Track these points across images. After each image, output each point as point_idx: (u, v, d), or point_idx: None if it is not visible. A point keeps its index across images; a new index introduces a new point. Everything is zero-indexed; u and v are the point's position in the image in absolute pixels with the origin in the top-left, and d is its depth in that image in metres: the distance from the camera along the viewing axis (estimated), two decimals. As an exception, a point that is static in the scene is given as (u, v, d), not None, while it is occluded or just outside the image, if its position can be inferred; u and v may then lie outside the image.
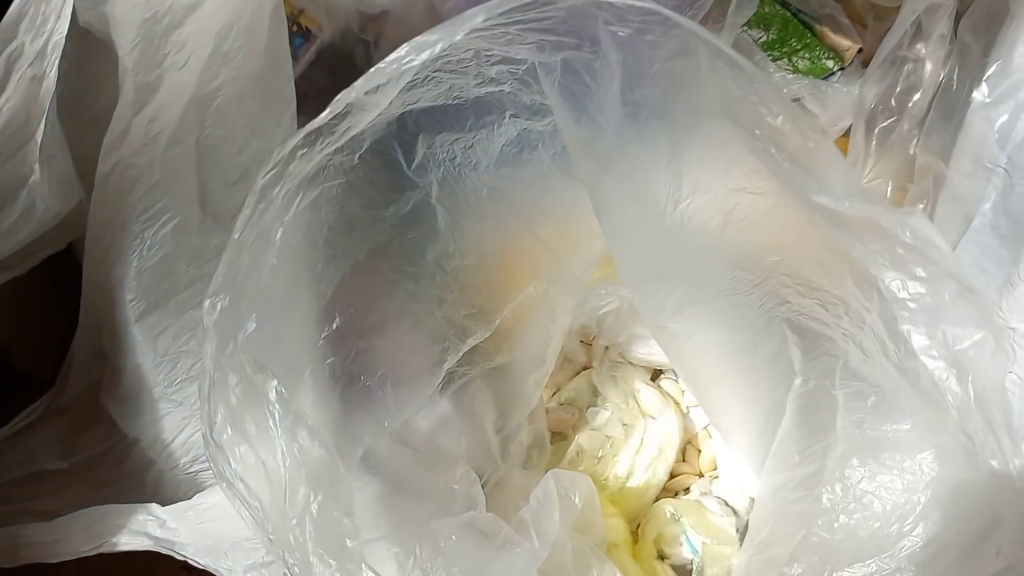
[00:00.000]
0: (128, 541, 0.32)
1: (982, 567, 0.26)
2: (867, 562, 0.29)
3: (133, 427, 0.36)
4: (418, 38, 0.23)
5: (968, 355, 0.25)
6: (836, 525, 0.33)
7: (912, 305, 0.25)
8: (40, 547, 0.33)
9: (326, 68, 0.46)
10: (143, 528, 0.31)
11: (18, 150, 0.31)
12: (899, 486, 0.31)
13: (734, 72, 0.23)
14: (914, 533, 0.30)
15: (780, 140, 0.23)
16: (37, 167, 0.32)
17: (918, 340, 0.25)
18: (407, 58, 0.23)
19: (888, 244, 0.24)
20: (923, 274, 0.24)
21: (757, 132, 0.23)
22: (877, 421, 0.33)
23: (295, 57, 0.44)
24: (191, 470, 0.35)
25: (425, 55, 0.23)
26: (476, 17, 0.23)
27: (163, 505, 0.33)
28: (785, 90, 0.44)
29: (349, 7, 0.44)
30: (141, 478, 0.37)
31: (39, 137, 0.31)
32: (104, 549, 0.32)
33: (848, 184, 0.23)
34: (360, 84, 0.23)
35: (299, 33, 0.43)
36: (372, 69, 0.23)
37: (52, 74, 0.31)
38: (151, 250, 0.33)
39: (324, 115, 0.24)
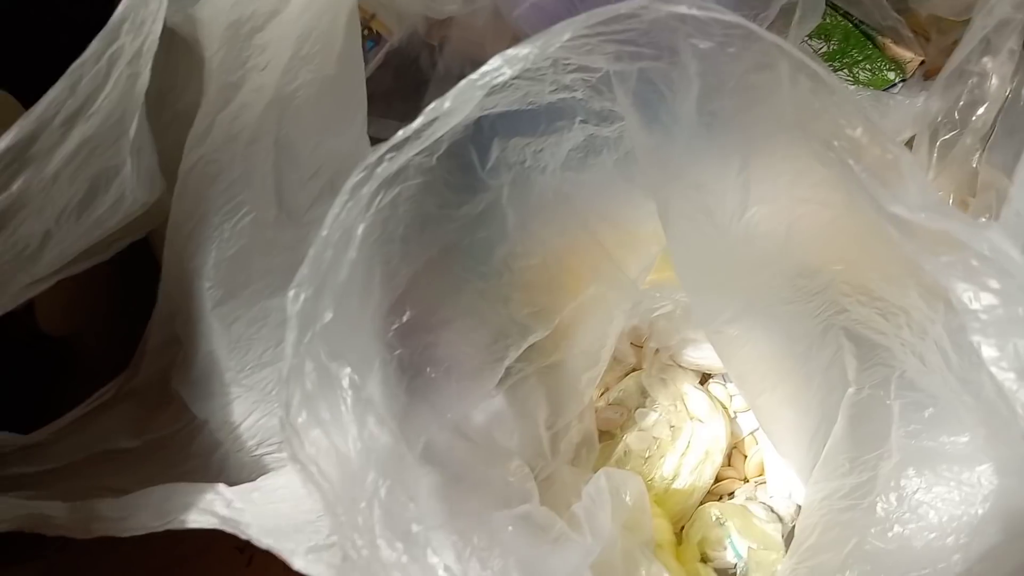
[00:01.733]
0: (195, 519, 0.33)
1: None
2: (921, 571, 0.29)
3: (203, 410, 0.37)
4: (509, 51, 0.24)
5: None
6: (890, 535, 0.33)
7: (984, 316, 0.25)
8: (111, 522, 0.34)
9: (392, 71, 0.48)
10: (210, 507, 0.32)
11: (114, 143, 0.32)
12: (956, 498, 0.31)
13: (815, 85, 0.23)
14: (970, 546, 0.30)
15: (858, 151, 0.24)
16: (129, 159, 0.33)
17: (988, 352, 0.25)
18: (499, 71, 0.24)
19: (962, 256, 0.24)
20: (997, 286, 0.25)
21: (835, 143, 0.23)
22: (934, 432, 0.33)
23: (365, 60, 0.45)
24: (256, 452, 0.37)
25: (517, 68, 0.23)
26: (564, 34, 0.24)
27: (229, 486, 0.35)
28: (848, 101, 0.45)
29: (417, 12, 0.45)
30: (208, 459, 0.38)
31: (132, 132, 0.33)
32: (172, 526, 0.34)
33: (925, 196, 0.23)
34: (453, 94, 0.24)
35: (370, 37, 0.45)
36: (463, 81, 0.24)
37: (146, 73, 0.33)
38: (229, 241, 0.35)
39: (417, 123, 0.25)
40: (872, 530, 0.33)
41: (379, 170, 0.25)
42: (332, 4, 0.37)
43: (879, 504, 0.33)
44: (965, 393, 0.30)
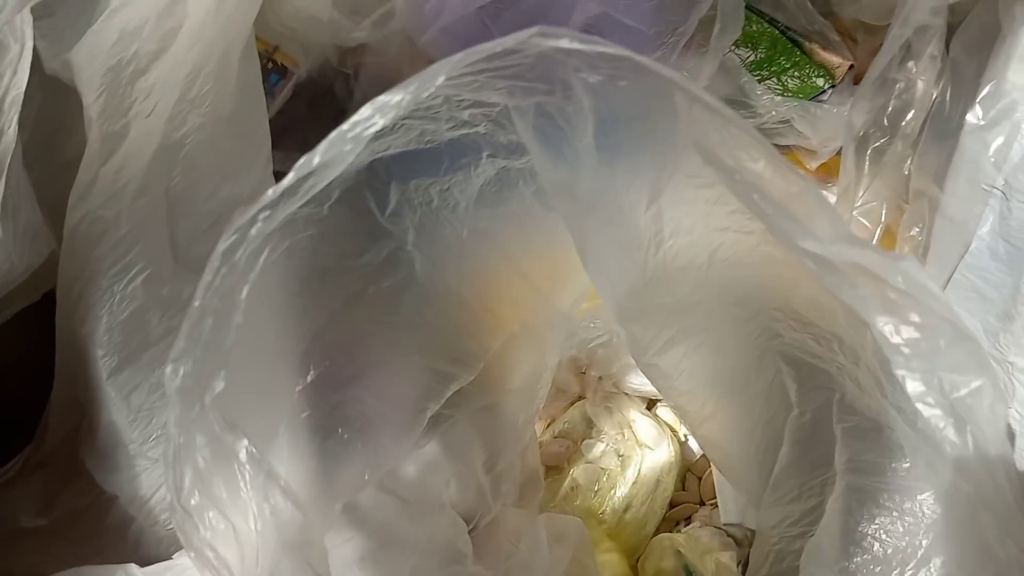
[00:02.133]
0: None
1: None
2: None
3: (111, 483, 0.35)
4: (380, 98, 0.22)
5: (966, 403, 0.24)
6: (837, 568, 0.31)
7: (906, 351, 0.24)
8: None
9: (306, 102, 0.46)
10: (121, 587, 0.30)
11: (-20, 206, 0.30)
12: (899, 529, 0.30)
13: (711, 116, 0.22)
14: None
15: (762, 185, 0.22)
16: (0, 223, 0.31)
17: (913, 386, 0.24)
18: (370, 121, 0.22)
19: (879, 289, 0.23)
20: (917, 319, 0.23)
21: (737, 177, 0.22)
22: (874, 459, 0.31)
23: (271, 94, 0.43)
24: (171, 527, 0.34)
25: (390, 116, 0.22)
26: (438, 76, 0.22)
27: (145, 562, 0.32)
28: (774, 112, 0.43)
29: (325, 42, 0.43)
30: (122, 534, 0.35)
31: (0, 192, 0.31)
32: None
33: (835, 229, 0.22)
34: (322, 148, 0.22)
35: (275, 70, 0.42)
36: (333, 133, 0.22)
37: (12, 130, 0.30)
38: (121, 304, 0.32)
39: (286, 180, 0.23)
40: (817, 565, 0.32)
41: (253, 231, 0.23)
42: (222, 39, 0.35)
43: (824, 538, 0.32)
44: (901, 420, 0.28)
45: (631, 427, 0.47)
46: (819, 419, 0.35)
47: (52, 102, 0.36)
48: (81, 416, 0.36)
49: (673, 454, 0.47)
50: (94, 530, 0.36)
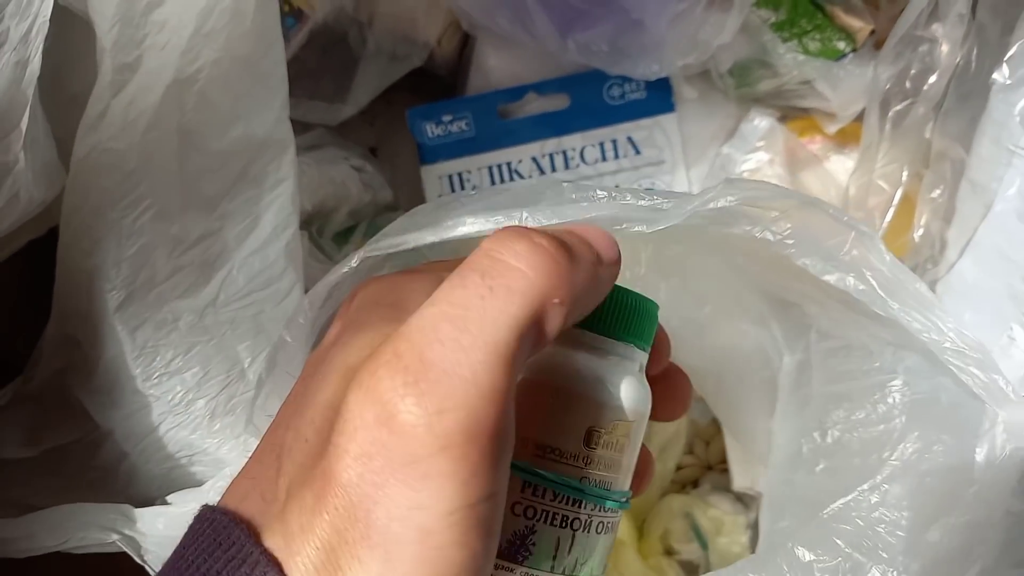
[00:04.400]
0: (96, 538, 0.31)
1: (965, 478, 0.25)
2: (847, 496, 0.27)
3: (107, 419, 0.34)
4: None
5: (853, 255, 0.26)
6: (817, 470, 0.32)
7: (790, 242, 0.26)
8: (9, 542, 0.31)
9: (318, 50, 0.45)
10: (113, 527, 0.30)
11: (3, 139, 0.29)
12: (874, 419, 0.30)
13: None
14: (892, 459, 0.29)
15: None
16: (21, 155, 0.30)
17: (814, 267, 0.26)
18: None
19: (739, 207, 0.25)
20: (776, 212, 0.26)
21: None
22: (846, 367, 0.32)
23: (286, 38, 0.42)
24: (165, 466, 0.34)
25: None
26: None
27: (137, 500, 0.32)
28: (796, 72, 0.43)
29: (341, -14, 0.42)
30: (113, 470, 0.35)
31: (23, 125, 0.30)
32: (71, 546, 0.31)
33: (673, 200, 0.24)
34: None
35: (290, 13, 0.41)
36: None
37: (37, 59, 0.29)
38: (129, 238, 0.32)
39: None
40: (800, 471, 0.32)
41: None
42: (238, -26, 0.34)
43: (805, 445, 0.32)
44: (867, 322, 0.29)
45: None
46: (804, 361, 0.35)
47: (61, 35, 0.36)
48: (75, 352, 0.35)
49: (683, 419, 0.47)
50: (83, 465, 0.35)
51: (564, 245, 0.19)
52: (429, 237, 0.25)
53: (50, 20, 0.34)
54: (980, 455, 0.25)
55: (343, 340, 0.20)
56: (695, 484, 0.47)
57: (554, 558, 0.21)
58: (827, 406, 0.32)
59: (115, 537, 0.29)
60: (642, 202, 0.24)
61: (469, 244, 0.22)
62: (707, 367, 0.39)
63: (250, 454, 0.21)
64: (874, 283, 0.25)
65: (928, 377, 0.28)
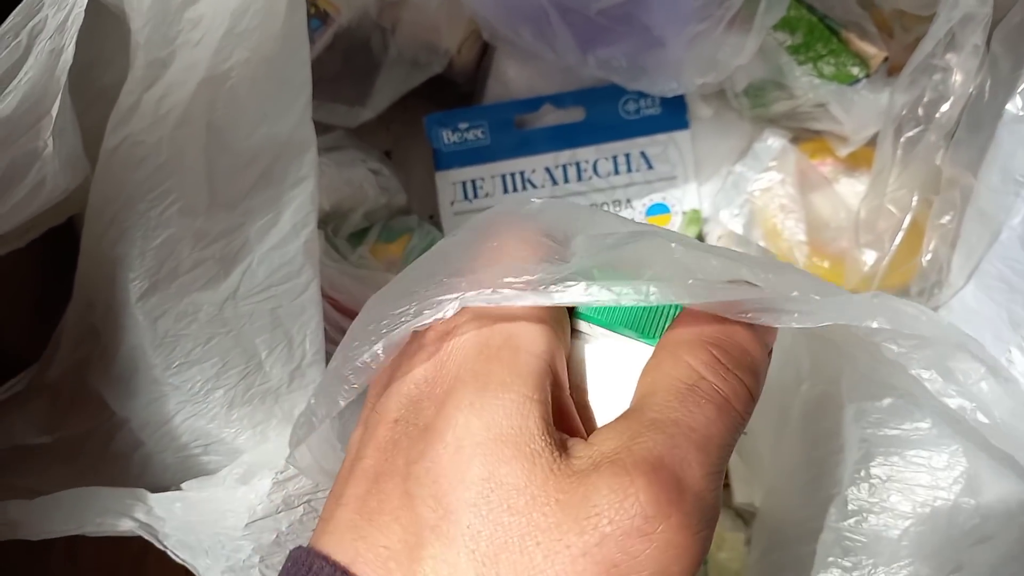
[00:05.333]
0: (113, 523, 0.31)
1: None
2: (903, 562, 0.28)
3: (124, 408, 0.35)
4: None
5: (979, 388, 0.25)
6: (865, 526, 0.32)
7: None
8: (23, 525, 0.32)
9: (341, 54, 0.46)
10: (129, 512, 0.30)
11: (33, 125, 0.30)
12: (926, 482, 0.30)
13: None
14: (948, 532, 0.29)
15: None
16: (50, 142, 0.31)
17: (933, 386, 0.25)
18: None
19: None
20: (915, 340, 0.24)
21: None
22: (896, 421, 0.32)
23: (311, 40, 0.43)
24: (181, 454, 0.34)
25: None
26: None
27: (150, 488, 0.32)
28: (811, 95, 0.44)
29: (368, -9, 0.43)
30: (128, 459, 0.35)
31: (54, 112, 0.30)
32: (87, 530, 0.31)
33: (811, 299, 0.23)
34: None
35: (316, 15, 0.42)
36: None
37: (70, 48, 0.30)
38: (155, 230, 0.32)
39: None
40: (846, 523, 0.32)
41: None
42: (272, -25, 0.35)
43: (851, 496, 0.32)
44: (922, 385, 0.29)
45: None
46: (828, 393, 0.35)
47: (92, 28, 0.36)
48: (95, 342, 0.36)
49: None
50: (98, 453, 0.36)
51: (758, 379, 0.21)
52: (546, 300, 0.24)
53: (85, 14, 0.35)
54: None
55: (461, 389, 0.19)
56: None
57: None
58: (873, 453, 0.31)
59: (131, 523, 0.29)
60: (791, 294, 0.22)
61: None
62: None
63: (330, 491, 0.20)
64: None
65: (988, 452, 0.27)
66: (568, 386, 0.21)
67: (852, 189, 0.46)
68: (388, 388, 0.21)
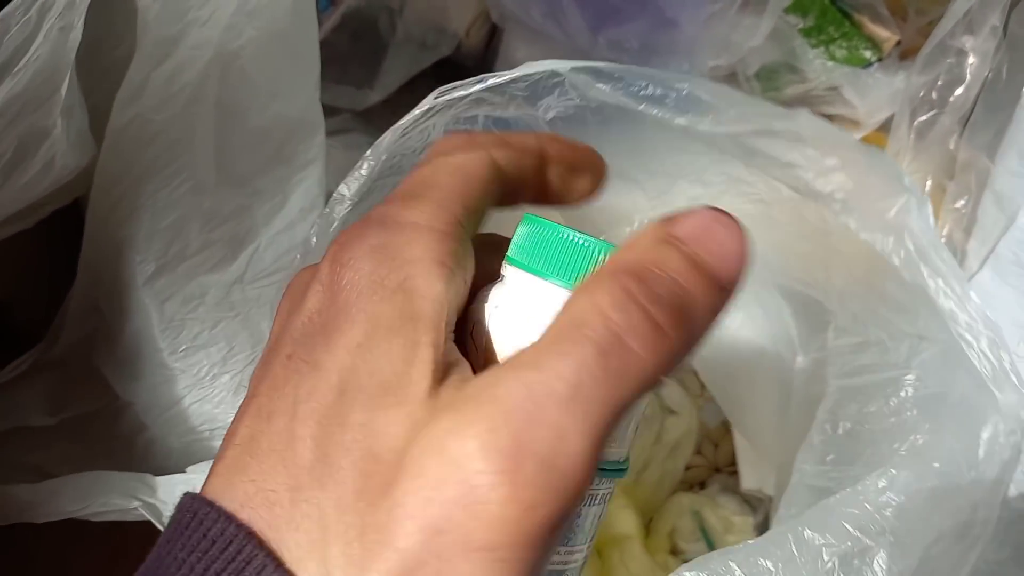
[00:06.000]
0: (118, 506, 0.31)
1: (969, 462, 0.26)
2: (867, 481, 0.27)
3: (128, 391, 0.34)
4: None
5: (899, 219, 0.25)
6: (828, 459, 0.32)
7: (839, 195, 0.25)
8: (30, 507, 0.32)
9: (349, 34, 0.45)
10: (134, 495, 0.30)
11: (43, 103, 0.29)
12: (886, 412, 0.30)
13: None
14: (902, 450, 0.29)
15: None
16: (59, 120, 0.30)
17: (855, 223, 0.25)
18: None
19: (798, 149, 0.24)
20: (835, 162, 0.24)
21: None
22: (862, 362, 0.32)
23: (319, 20, 0.42)
24: (186, 439, 0.34)
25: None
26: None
27: (155, 472, 0.32)
28: (824, 77, 0.43)
29: (376, -29, 0.43)
30: (131, 441, 0.35)
31: (63, 90, 0.30)
32: (92, 511, 0.31)
33: (734, 105, 0.23)
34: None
35: (324, -5, 0.42)
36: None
37: (79, 25, 0.29)
38: (164, 210, 0.32)
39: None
40: (809, 461, 0.32)
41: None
42: (281, -45, 0.34)
43: (816, 436, 0.32)
44: (880, 303, 0.29)
45: (656, 390, 0.47)
46: (818, 359, 0.35)
47: (101, 7, 0.36)
48: (98, 322, 0.35)
49: (694, 419, 0.47)
50: (102, 435, 0.35)
51: (689, 319, 0.16)
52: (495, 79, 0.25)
53: (91, -8, 0.34)
54: (983, 439, 0.25)
55: (350, 330, 0.18)
56: (702, 485, 0.48)
57: (589, 533, 0.22)
58: (841, 400, 0.32)
59: (136, 504, 0.29)
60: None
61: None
62: (718, 362, 0.39)
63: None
64: (911, 246, 0.25)
65: (941, 372, 0.28)
66: (473, 332, 0.20)
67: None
68: (284, 322, 0.19)
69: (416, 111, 0.25)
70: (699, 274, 0.17)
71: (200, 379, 0.33)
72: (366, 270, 0.18)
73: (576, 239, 0.19)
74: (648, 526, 0.45)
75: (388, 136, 0.25)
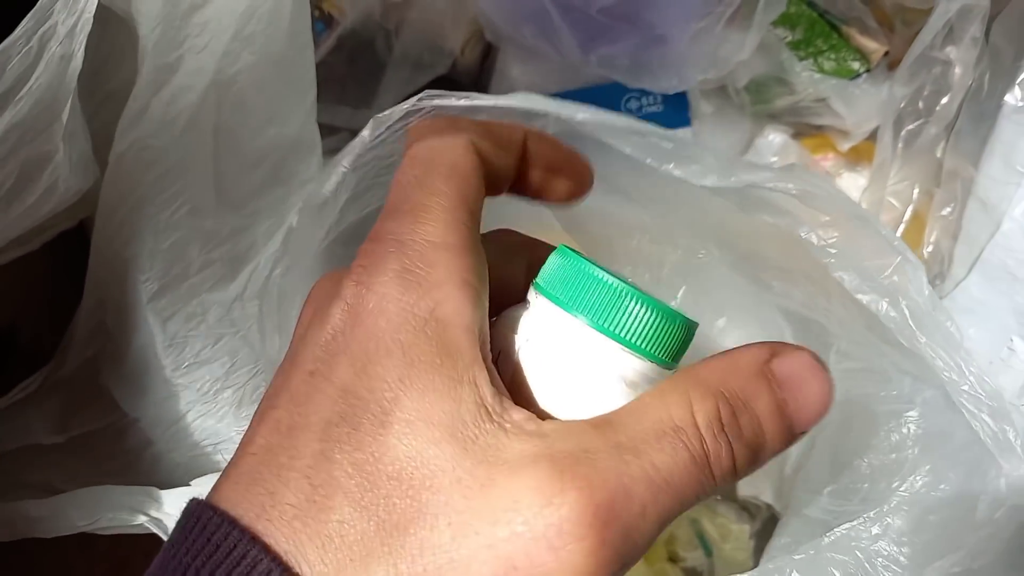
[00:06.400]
0: (125, 520, 0.32)
1: (968, 523, 0.26)
2: (851, 523, 0.27)
3: (134, 407, 0.35)
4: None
5: (893, 281, 0.25)
6: (825, 491, 0.32)
7: (832, 251, 0.26)
8: (39, 522, 0.32)
9: (346, 55, 0.46)
10: (141, 509, 0.31)
11: (45, 129, 0.30)
12: (886, 446, 0.31)
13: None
14: (901, 490, 0.29)
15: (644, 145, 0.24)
16: (61, 146, 0.31)
17: (851, 282, 0.25)
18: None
19: (791, 202, 0.25)
20: (828, 217, 0.25)
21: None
22: (863, 390, 0.32)
23: (316, 43, 0.43)
24: (192, 454, 0.35)
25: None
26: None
27: (161, 486, 0.33)
28: (812, 89, 0.44)
29: (371, -6, 0.44)
30: (138, 457, 0.36)
31: (65, 116, 0.31)
32: (99, 526, 0.32)
33: (724, 161, 0.24)
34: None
35: (321, 18, 0.43)
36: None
37: (80, 54, 0.30)
38: (165, 232, 0.33)
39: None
40: (808, 489, 0.32)
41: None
42: (277, -20, 0.35)
43: (813, 465, 0.32)
44: (881, 343, 0.29)
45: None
46: None
47: (101, 34, 0.37)
48: (105, 340, 0.36)
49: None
50: (110, 451, 0.36)
51: (757, 460, 0.19)
52: (484, 101, 0.25)
53: (94, 20, 0.36)
54: (983, 504, 0.25)
55: (387, 361, 0.18)
56: (702, 492, 0.48)
57: None
58: (840, 428, 0.32)
59: (143, 519, 0.30)
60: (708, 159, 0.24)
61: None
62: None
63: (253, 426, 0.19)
64: (907, 312, 0.25)
65: (945, 412, 0.28)
66: (499, 360, 0.20)
67: (854, 183, 0.47)
68: (304, 336, 0.19)
69: (403, 107, 0.26)
70: (782, 423, 0.19)
71: (203, 394, 0.34)
72: (393, 296, 0.18)
73: (608, 280, 0.20)
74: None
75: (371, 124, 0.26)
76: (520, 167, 0.23)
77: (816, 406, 0.19)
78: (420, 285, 0.19)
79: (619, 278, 0.20)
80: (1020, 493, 0.25)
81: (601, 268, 0.20)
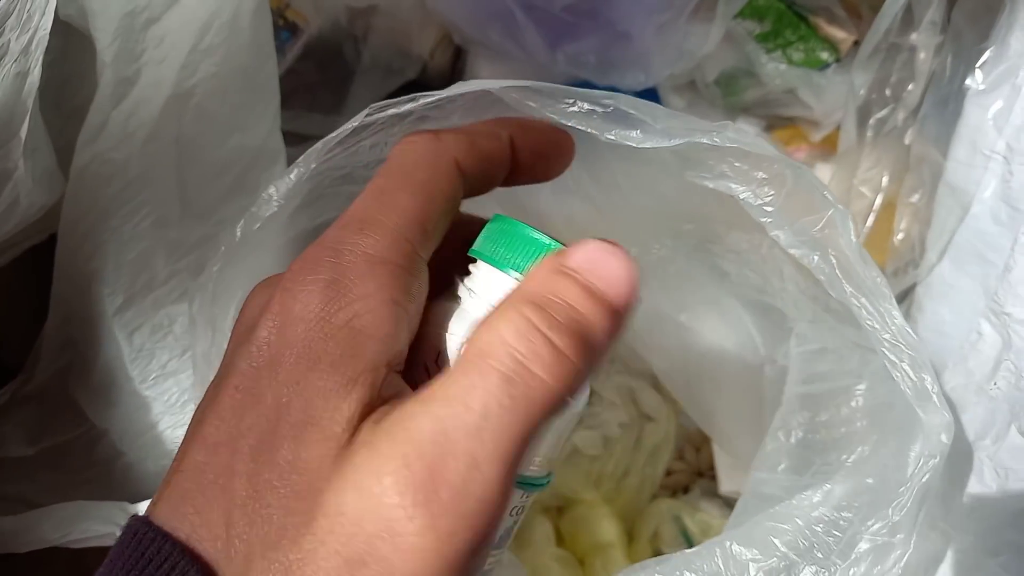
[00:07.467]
0: (97, 531, 0.32)
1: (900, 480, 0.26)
2: (803, 494, 0.27)
3: (103, 419, 0.35)
4: (278, 181, 0.26)
5: (824, 234, 0.25)
6: (779, 469, 0.32)
7: (769, 208, 0.25)
8: (11, 536, 0.32)
9: (315, 62, 0.46)
10: (112, 521, 0.31)
11: (4, 145, 0.30)
12: (837, 421, 0.31)
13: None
14: (849, 461, 0.29)
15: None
16: (21, 162, 0.31)
17: (785, 239, 0.25)
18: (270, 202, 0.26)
19: (726, 161, 0.25)
20: (763, 175, 0.25)
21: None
22: (822, 372, 0.32)
23: (282, 52, 0.43)
24: (161, 463, 0.35)
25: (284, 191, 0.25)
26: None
27: (132, 497, 0.33)
28: (779, 81, 0.44)
29: (336, 1, 0.44)
30: (109, 468, 0.36)
31: (23, 133, 0.31)
32: (71, 540, 0.32)
33: (662, 118, 0.24)
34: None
35: (285, 27, 0.43)
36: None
37: (36, 70, 0.30)
38: (129, 244, 0.33)
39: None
40: (764, 471, 0.32)
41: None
42: (235, -8, 0.35)
43: (770, 444, 0.32)
44: (828, 316, 0.29)
45: (634, 398, 0.48)
46: (785, 367, 0.35)
47: (64, 50, 0.37)
48: (73, 353, 0.36)
49: (672, 425, 0.47)
50: (82, 462, 0.36)
51: (587, 342, 0.17)
52: (428, 98, 0.25)
53: (54, 34, 0.36)
54: (910, 457, 0.25)
55: (294, 366, 0.18)
56: (685, 490, 0.48)
57: (503, 542, 0.23)
58: (795, 407, 0.32)
59: (116, 531, 0.30)
60: (638, 113, 0.24)
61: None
62: (678, 370, 0.40)
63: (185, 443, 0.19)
64: (835, 263, 0.25)
65: (889, 381, 0.28)
66: (439, 359, 0.20)
67: (828, 174, 0.46)
68: (235, 348, 0.20)
69: (349, 126, 0.26)
70: (594, 300, 0.18)
71: (171, 405, 0.34)
72: (314, 304, 0.18)
73: (537, 237, 0.20)
74: (631, 532, 0.46)
75: (319, 146, 0.26)
76: (507, 163, 0.23)
77: (623, 276, 0.18)
78: (344, 296, 0.18)
79: (548, 236, 0.20)
80: (936, 443, 0.24)
81: (531, 228, 0.21)
